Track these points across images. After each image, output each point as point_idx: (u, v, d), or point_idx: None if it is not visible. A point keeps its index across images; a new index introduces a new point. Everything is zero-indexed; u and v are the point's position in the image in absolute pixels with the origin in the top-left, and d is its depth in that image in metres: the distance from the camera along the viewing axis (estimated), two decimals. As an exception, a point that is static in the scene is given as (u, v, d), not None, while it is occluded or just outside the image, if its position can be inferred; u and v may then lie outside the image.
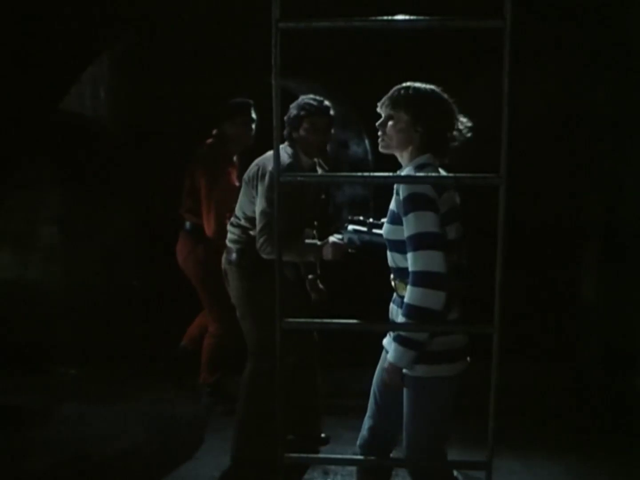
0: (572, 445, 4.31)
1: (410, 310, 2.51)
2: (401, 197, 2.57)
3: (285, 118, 3.83)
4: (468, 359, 2.72)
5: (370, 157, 7.11)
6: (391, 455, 2.93)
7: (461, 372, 2.70)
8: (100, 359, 5.56)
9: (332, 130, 3.91)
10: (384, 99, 2.77)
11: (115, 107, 6.17)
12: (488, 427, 1.75)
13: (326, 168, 4.15)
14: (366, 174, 1.55)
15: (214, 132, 4.87)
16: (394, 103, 2.72)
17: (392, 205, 2.72)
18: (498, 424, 2.04)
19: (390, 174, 1.61)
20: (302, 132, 3.80)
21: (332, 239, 3.63)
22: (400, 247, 2.65)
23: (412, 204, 2.54)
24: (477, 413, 2.53)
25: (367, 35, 5.22)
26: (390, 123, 2.73)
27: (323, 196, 4.18)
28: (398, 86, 2.76)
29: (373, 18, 1.50)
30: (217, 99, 5.05)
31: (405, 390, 2.71)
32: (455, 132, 2.74)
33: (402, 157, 2.79)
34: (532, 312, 5.67)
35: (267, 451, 3.83)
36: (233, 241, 3.95)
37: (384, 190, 4.15)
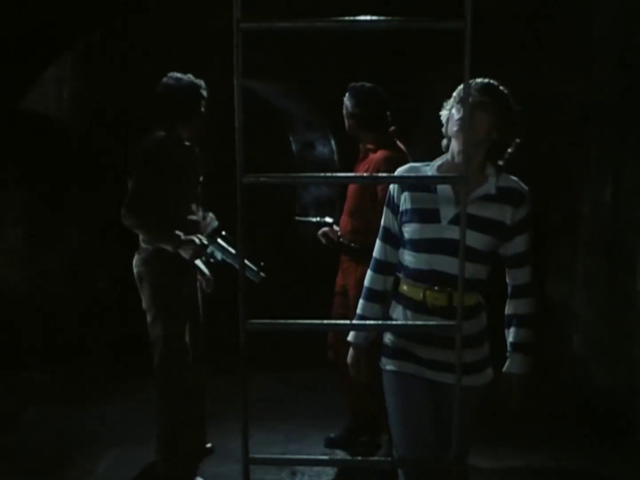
0: (545, 443, 4.37)
1: (534, 321, 2.69)
2: (524, 212, 2.60)
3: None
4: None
5: (336, 157, 7.13)
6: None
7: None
8: (67, 363, 5.51)
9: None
10: (477, 86, 2.54)
11: (80, 107, 6.12)
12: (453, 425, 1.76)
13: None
14: (329, 174, 1.55)
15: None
16: (487, 95, 2.54)
17: (491, 214, 2.59)
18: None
19: (352, 174, 1.61)
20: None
21: (196, 239, 3.71)
22: (483, 258, 2.61)
23: (530, 222, 2.62)
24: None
25: (332, 35, 5.24)
26: (479, 115, 2.51)
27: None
28: (485, 80, 2.59)
29: (335, 19, 1.50)
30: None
31: (466, 401, 2.53)
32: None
33: (476, 153, 2.59)
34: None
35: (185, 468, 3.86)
36: (147, 241, 3.86)
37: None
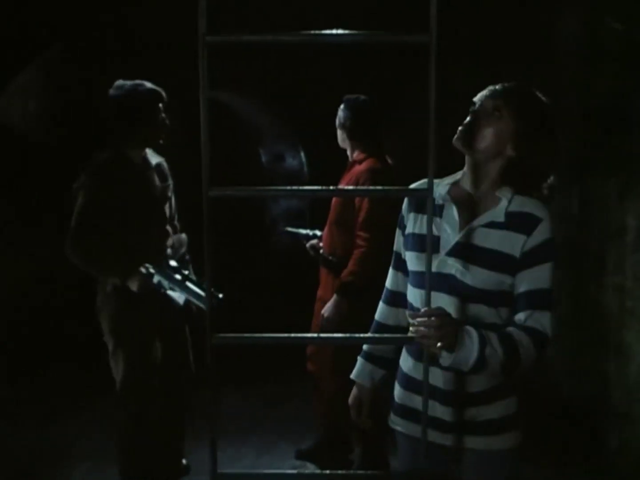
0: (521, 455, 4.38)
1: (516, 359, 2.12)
2: (536, 241, 2.06)
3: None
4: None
5: (306, 169, 7.14)
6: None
7: None
8: (36, 376, 5.45)
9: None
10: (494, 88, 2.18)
11: (48, 118, 6.06)
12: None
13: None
14: (296, 187, 1.55)
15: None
16: (499, 101, 2.14)
17: (495, 244, 2.10)
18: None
19: (319, 187, 1.60)
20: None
21: (143, 270, 3.52)
22: (490, 298, 2.11)
23: (552, 252, 2.09)
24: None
25: (301, 48, 5.23)
26: (483, 123, 2.13)
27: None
28: (507, 84, 2.20)
29: (300, 32, 1.51)
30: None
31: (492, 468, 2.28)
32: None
33: (486, 172, 2.17)
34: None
35: None
36: None
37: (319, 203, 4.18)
